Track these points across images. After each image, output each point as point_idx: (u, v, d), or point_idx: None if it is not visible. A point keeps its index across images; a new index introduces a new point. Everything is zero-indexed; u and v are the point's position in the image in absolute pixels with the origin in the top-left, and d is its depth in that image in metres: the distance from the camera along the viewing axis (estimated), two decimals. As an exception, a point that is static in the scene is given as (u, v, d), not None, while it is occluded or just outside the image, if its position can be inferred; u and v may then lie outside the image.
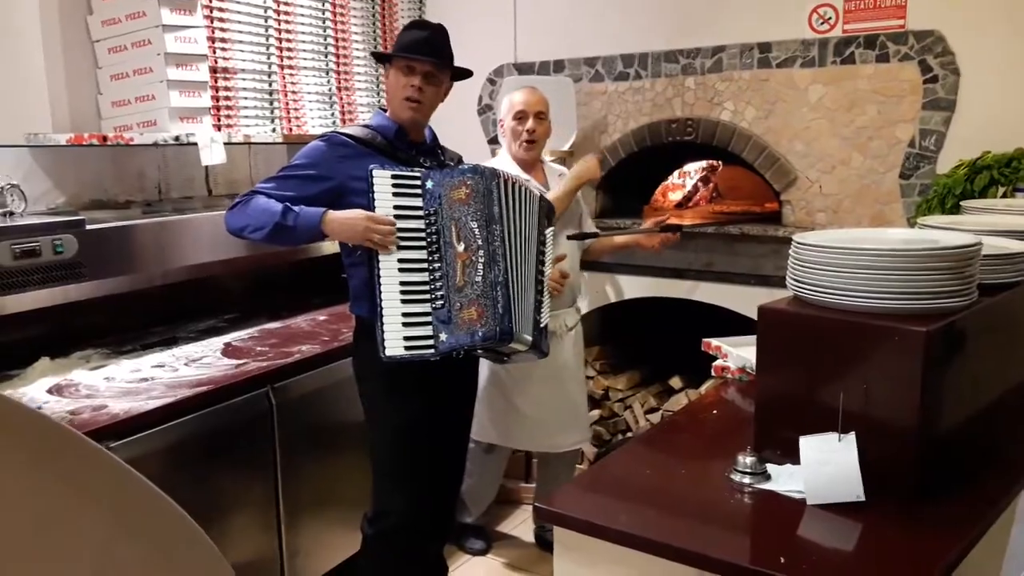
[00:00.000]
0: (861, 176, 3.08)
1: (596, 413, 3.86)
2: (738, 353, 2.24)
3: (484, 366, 2.82)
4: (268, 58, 3.25)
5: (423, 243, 2.13)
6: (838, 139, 3.10)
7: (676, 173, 4.23)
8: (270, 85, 3.26)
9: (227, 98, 3.08)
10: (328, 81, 3.57)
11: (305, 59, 3.44)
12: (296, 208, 2.11)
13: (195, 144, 2.90)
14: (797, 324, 1.67)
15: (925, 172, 2.95)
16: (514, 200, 2.20)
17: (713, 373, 2.33)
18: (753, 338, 2.33)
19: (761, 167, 3.28)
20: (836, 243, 1.64)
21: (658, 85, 3.48)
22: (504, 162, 2.82)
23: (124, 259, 2.75)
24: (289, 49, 3.35)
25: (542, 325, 2.29)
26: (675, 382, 3.83)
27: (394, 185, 2.14)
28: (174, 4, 2.81)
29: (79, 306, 2.54)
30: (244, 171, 3.40)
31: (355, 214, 2.08)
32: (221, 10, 3.03)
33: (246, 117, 3.16)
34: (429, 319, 2.13)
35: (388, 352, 2.09)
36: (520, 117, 2.78)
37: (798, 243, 1.73)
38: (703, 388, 3.66)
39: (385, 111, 2.31)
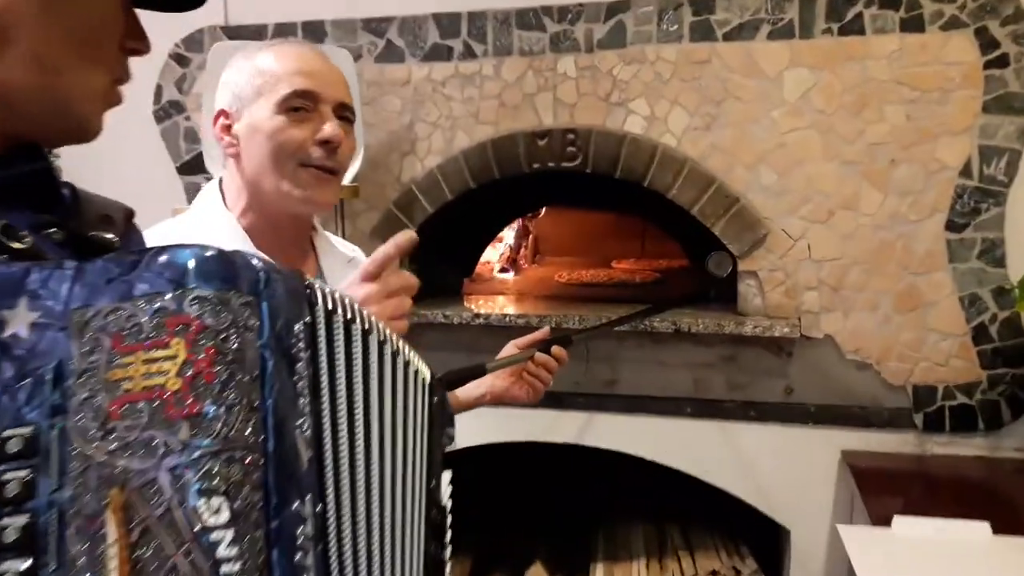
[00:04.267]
0: (879, 227, 1.80)
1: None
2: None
3: None
4: None
5: None
6: (838, 163, 1.80)
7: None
8: None
9: None
10: None
11: None
12: None
13: None
14: None
15: (990, 220, 1.74)
16: (368, 394, 0.53)
17: None
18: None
19: (706, 215, 1.87)
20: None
21: (507, 70, 1.95)
22: (211, 223, 1.06)
23: None
24: None
25: None
26: (536, 573, 2.27)
27: None
28: None
29: None
30: None
31: None
32: None
33: None
34: None
35: None
36: (299, 105, 1.04)
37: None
38: (596, 584, 2.17)
39: None
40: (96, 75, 0.55)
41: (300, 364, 0.46)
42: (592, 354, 1.97)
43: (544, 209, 3.04)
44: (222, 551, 0.41)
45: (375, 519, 0.52)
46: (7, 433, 0.42)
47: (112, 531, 0.41)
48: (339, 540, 0.48)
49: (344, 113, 1.03)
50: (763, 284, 1.86)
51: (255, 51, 1.06)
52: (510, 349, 1.29)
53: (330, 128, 0.99)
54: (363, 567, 0.50)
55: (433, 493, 0.64)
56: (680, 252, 2.69)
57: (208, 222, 1.04)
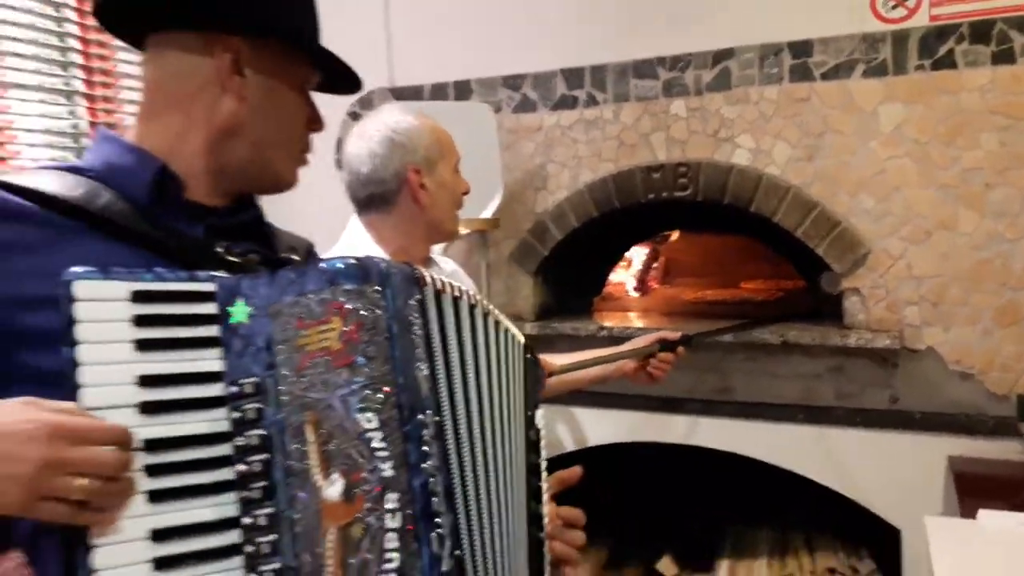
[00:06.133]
0: (976, 246, 1.91)
1: (545, 624, 2.43)
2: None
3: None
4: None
5: (225, 479, 0.72)
6: (934, 188, 1.94)
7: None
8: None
9: None
10: (73, 111, 2.05)
11: (25, 68, 1.92)
12: None
13: None
14: None
15: (1089, 236, 1.83)
16: (465, 344, 0.84)
17: None
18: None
19: (809, 237, 2.06)
20: None
21: (625, 114, 2.22)
22: (358, 246, 1.43)
23: None
24: (-16, 49, 1.83)
25: None
26: (666, 566, 2.48)
27: (140, 319, 0.71)
28: None
29: None
30: None
31: (8, 420, 0.62)
32: None
33: None
34: None
35: None
36: (456, 167, 1.46)
37: None
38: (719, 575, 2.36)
39: (120, 136, 0.86)
40: (291, 149, 0.90)
41: (415, 327, 0.74)
42: (707, 365, 2.18)
43: (676, 234, 3.26)
44: (375, 444, 0.70)
45: (476, 428, 0.79)
46: (242, 381, 0.69)
47: (310, 435, 0.69)
48: (456, 438, 0.76)
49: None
50: (866, 300, 2.01)
51: (421, 118, 1.41)
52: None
53: (467, 183, 1.39)
54: (468, 459, 0.77)
55: (531, 418, 0.91)
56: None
57: (360, 251, 1.41)
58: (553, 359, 1.56)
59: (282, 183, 0.91)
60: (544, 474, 0.93)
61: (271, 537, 0.70)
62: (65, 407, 0.61)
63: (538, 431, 0.92)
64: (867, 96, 1.97)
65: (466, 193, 1.44)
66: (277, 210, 1.41)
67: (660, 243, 3.41)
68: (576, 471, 1.00)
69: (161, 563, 0.65)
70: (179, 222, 0.81)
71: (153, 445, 0.66)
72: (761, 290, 3.01)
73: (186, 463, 0.68)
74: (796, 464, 2.13)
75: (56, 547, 0.67)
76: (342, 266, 0.72)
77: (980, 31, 1.86)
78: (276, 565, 0.69)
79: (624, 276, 3.13)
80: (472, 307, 0.83)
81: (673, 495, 2.65)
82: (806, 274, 2.61)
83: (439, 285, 0.80)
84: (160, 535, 0.66)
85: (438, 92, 2.43)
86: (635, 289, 3.09)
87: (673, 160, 2.17)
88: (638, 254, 3.15)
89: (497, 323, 0.86)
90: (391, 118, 1.41)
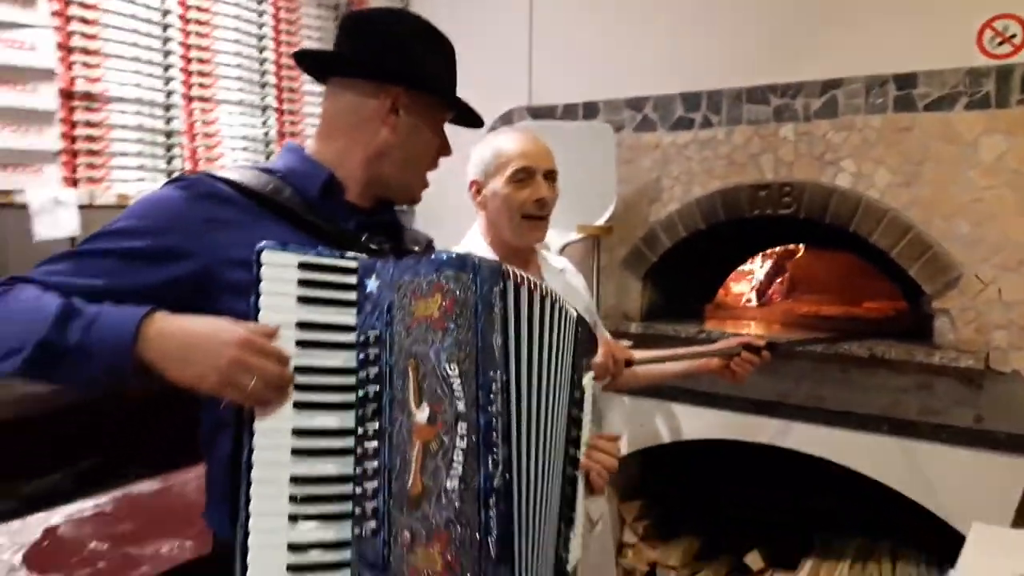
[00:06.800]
0: (1070, 276, 1.97)
1: (636, 600, 2.66)
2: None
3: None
4: (167, 83, 2.19)
5: (348, 400, 1.02)
6: (1030, 218, 2.01)
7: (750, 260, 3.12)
8: (168, 122, 2.19)
9: (91, 138, 2.01)
10: (266, 122, 2.51)
11: (228, 88, 2.38)
12: (89, 309, 0.99)
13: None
14: None
15: None
16: (534, 324, 1.10)
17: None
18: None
19: (902, 258, 2.17)
20: None
21: (737, 136, 2.41)
22: (469, 247, 1.68)
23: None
24: (203, 73, 2.30)
25: (569, 568, 1.17)
26: (753, 560, 2.63)
27: (303, 283, 1.03)
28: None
29: None
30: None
31: (216, 330, 0.97)
32: (84, 5, 1.98)
33: (124, 168, 2.08)
34: (345, 557, 1.01)
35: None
36: (522, 178, 1.62)
37: None
38: (803, 573, 2.49)
39: (301, 148, 1.22)
40: (424, 169, 1.21)
41: (496, 307, 1.02)
42: (797, 371, 2.33)
43: (801, 249, 3.37)
44: (455, 387, 0.99)
45: (534, 384, 1.06)
46: (368, 333, 0.95)
47: (411, 376, 0.98)
48: (518, 391, 1.04)
49: (551, 176, 1.61)
50: (955, 321, 2.10)
51: (494, 137, 1.67)
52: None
53: (544, 189, 1.56)
54: (524, 408, 1.05)
55: (576, 380, 1.17)
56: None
57: (470, 245, 1.67)
58: (643, 353, 1.79)
59: (413, 195, 1.24)
60: (586, 428, 1.19)
61: (374, 444, 1.01)
62: (253, 327, 0.95)
63: (583, 390, 1.18)
64: (968, 127, 2.07)
65: (539, 201, 1.59)
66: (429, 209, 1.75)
67: (786, 258, 3.53)
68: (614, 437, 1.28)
69: (296, 451, 0.98)
70: (338, 216, 1.15)
71: (302, 370, 0.99)
72: (876, 309, 3.08)
73: (323, 386, 1.01)
74: (881, 474, 2.24)
75: (228, 438, 1.01)
76: (446, 258, 1.02)
77: (1084, 67, 1.92)
78: (375, 464, 1.00)
79: (745, 287, 3.29)
80: (543, 297, 1.10)
81: (766, 495, 2.79)
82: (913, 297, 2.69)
83: (518, 279, 1.08)
84: (298, 432, 0.98)
85: (569, 111, 2.71)
86: (754, 300, 3.24)
87: (779, 180, 2.34)
88: (761, 267, 3.30)
89: (555, 305, 1.13)
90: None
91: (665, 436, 2.60)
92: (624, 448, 2.61)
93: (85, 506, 1.88)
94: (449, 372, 0.98)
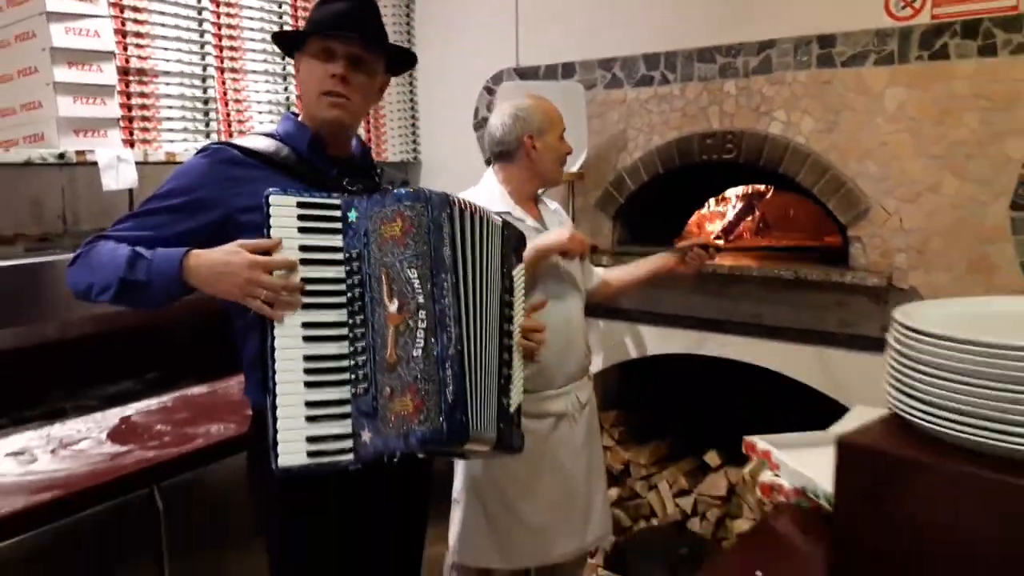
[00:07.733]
0: (956, 206, 2.34)
1: (614, 493, 3.14)
2: (794, 466, 1.52)
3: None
4: (203, 58, 2.63)
5: (341, 301, 1.47)
6: (925, 158, 2.37)
7: (713, 200, 3.50)
8: (204, 91, 2.64)
9: (144, 107, 2.46)
10: (286, 88, 2.94)
11: (254, 60, 2.81)
12: (148, 253, 1.45)
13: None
14: (905, 478, 0.97)
15: (1048, 201, 2.21)
16: (473, 236, 1.54)
17: (760, 493, 1.61)
18: (815, 435, 1.65)
19: (822, 194, 2.56)
20: (995, 341, 0.93)
21: (689, 91, 2.79)
22: (489, 191, 2.14)
23: (5, 308, 2.19)
24: (232, 48, 2.73)
25: (511, 411, 1.61)
26: (711, 458, 3.09)
27: (301, 217, 1.48)
28: (64, -16, 2.20)
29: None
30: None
31: (230, 256, 1.42)
32: (135, -5, 2.42)
33: (170, 131, 2.54)
34: (346, 410, 1.46)
35: (283, 462, 1.41)
36: (563, 136, 2.16)
37: (906, 329, 1.04)
38: (746, 469, 2.93)
39: (296, 115, 1.65)
40: (315, 90, 1.57)
41: (445, 228, 1.45)
42: (742, 294, 2.74)
43: (771, 191, 3.73)
44: (416, 286, 1.43)
45: (474, 280, 1.50)
46: (352, 251, 1.39)
47: (384, 280, 1.48)
48: (464, 287, 1.47)
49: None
50: (865, 246, 2.49)
51: (533, 99, 2.15)
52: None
53: (570, 146, 2.11)
54: (470, 298, 1.48)
55: (506, 273, 1.60)
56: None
57: (487, 191, 2.12)
58: (610, 271, 2.31)
59: (318, 118, 1.58)
60: (517, 308, 1.63)
61: (361, 330, 1.46)
62: (256, 244, 1.40)
63: (512, 279, 1.62)
64: (876, 80, 2.42)
65: (569, 153, 2.15)
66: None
67: (756, 198, 3.89)
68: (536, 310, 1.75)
69: (306, 339, 1.43)
70: (323, 166, 1.58)
71: (306, 280, 1.44)
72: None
73: (322, 291, 1.45)
74: (809, 378, 2.65)
75: (257, 333, 1.47)
76: (404, 192, 1.46)
77: (970, 28, 2.26)
78: (363, 344, 1.45)
79: (716, 225, 3.67)
80: (478, 216, 1.54)
81: (723, 403, 3.23)
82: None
83: (461, 205, 1.51)
84: (307, 325, 1.43)
85: (550, 71, 3.10)
86: (720, 236, 3.62)
87: (723, 129, 2.72)
88: (732, 203, 3.67)
89: (483, 220, 1.56)
90: (517, 101, 2.14)
91: (634, 352, 3.04)
92: (600, 364, 3.06)
93: (151, 403, 2.38)
94: (411, 276, 1.43)
